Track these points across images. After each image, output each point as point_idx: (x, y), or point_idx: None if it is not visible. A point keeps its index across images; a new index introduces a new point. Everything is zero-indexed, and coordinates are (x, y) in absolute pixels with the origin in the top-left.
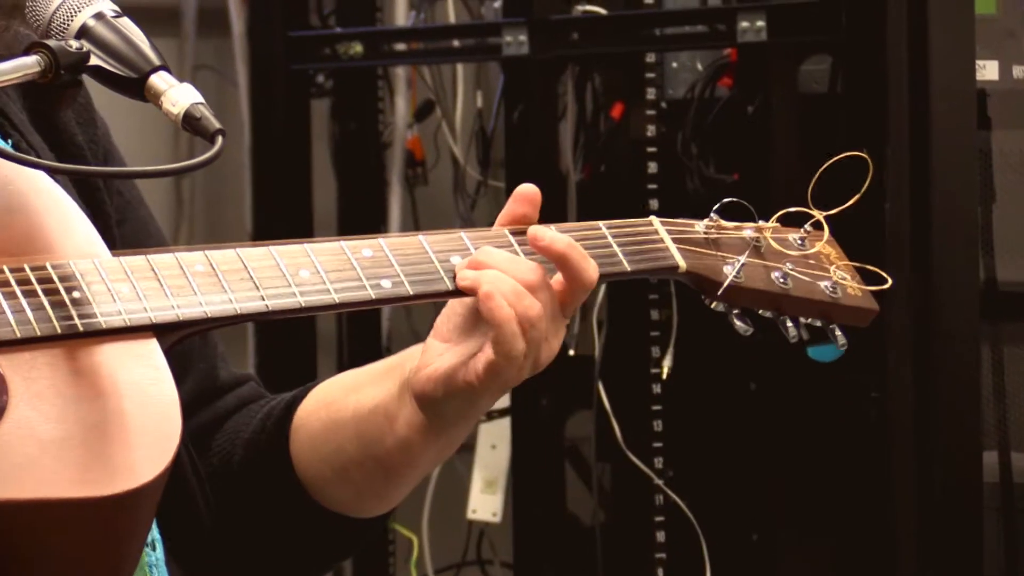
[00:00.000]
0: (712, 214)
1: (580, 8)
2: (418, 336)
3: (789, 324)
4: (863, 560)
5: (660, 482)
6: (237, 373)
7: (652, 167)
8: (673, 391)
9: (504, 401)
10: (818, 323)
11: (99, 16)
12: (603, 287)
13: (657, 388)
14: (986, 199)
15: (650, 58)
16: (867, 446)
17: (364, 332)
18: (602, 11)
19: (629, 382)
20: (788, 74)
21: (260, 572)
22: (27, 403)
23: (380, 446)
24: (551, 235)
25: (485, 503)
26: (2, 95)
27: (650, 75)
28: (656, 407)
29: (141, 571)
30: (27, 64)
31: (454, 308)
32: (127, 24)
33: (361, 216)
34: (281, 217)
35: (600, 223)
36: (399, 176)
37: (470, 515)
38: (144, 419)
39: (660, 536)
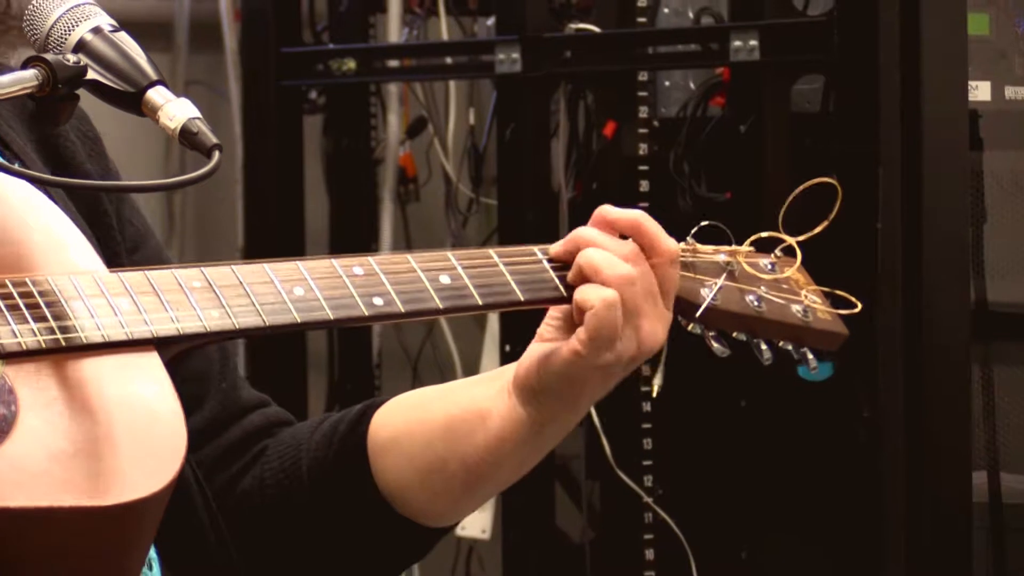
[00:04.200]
0: (688, 238)
1: (573, 26)
2: (409, 353)
3: (763, 347)
4: None
5: (649, 500)
6: (259, 395)
7: (644, 185)
8: (663, 409)
9: None
10: (790, 346)
11: (97, 30)
12: None
13: (647, 406)
14: (977, 220)
15: (643, 76)
16: (857, 465)
17: (355, 350)
18: (595, 29)
19: (619, 400)
20: (780, 93)
21: None
22: (36, 413)
23: (469, 444)
24: (618, 210)
25: (474, 520)
26: (5, 127)
27: (642, 93)
28: (646, 425)
29: None
30: (25, 78)
31: (553, 314)
32: (124, 38)
33: (353, 232)
34: (273, 233)
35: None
36: (391, 193)
37: (459, 531)
38: (149, 432)
39: (649, 554)
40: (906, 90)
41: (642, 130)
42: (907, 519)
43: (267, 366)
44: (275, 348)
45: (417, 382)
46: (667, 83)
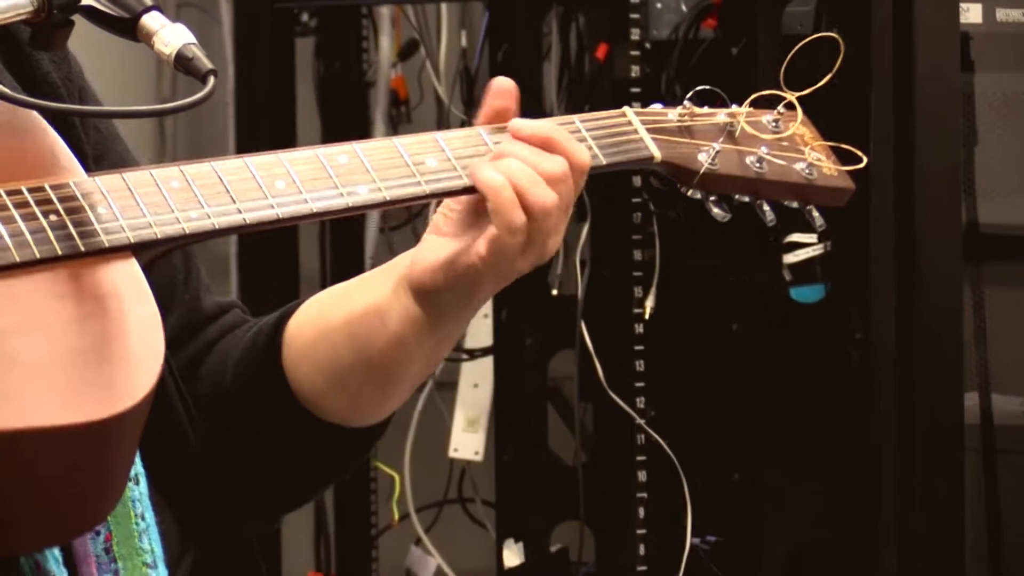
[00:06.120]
0: (685, 101)
1: None
2: None
3: (766, 208)
4: (845, 500)
5: (642, 422)
6: (221, 301)
7: (636, 107)
8: (655, 331)
9: (487, 340)
10: (795, 205)
11: None
12: (586, 227)
13: (640, 328)
14: (968, 142)
15: None
16: (850, 387)
17: (347, 267)
18: None
19: (612, 322)
20: (772, 15)
21: (257, 492)
22: (12, 329)
23: (373, 346)
24: (532, 123)
25: (467, 442)
26: None
27: (634, 15)
28: (638, 347)
29: (124, 505)
30: (20, 4)
31: (451, 205)
32: None
33: None
34: None
35: (574, 117)
36: (383, 115)
37: (452, 453)
38: (128, 340)
39: (641, 476)
40: (898, 12)
41: (634, 52)
42: (899, 441)
43: (258, 283)
44: (267, 267)
45: None
46: (659, 5)
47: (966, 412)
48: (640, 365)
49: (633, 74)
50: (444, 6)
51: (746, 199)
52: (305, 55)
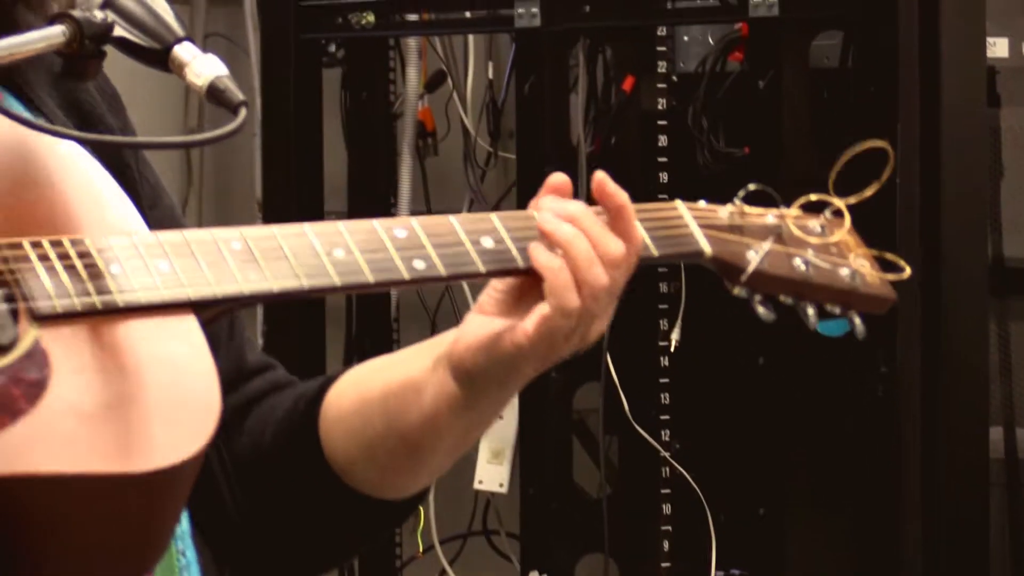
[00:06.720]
0: (736, 199)
1: None
2: (427, 310)
3: (809, 310)
4: (869, 535)
5: (667, 455)
6: (265, 357)
7: (662, 140)
8: (681, 364)
9: None
10: (837, 310)
11: None
12: None
13: (665, 361)
14: (994, 176)
15: (661, 31)
16: (875, 421)
17: (373, 305)
18: None
19: (637, 355)
20: (799, 49)
21: (286, 554)
22: (68, 378)
23: (405, 420)
24: (616, 187)
25: (491, 473)
26: (28, 78)
27: (661, 48)
28: (664, 380)
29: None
30: (52, 34)
31: (496, 285)
32: None
33: (371, 186)
34: (291, 186)
35: None
36: (410, 146)
37: (476, 485)
38: (183, 395)
39: (666, 509)
40: (924, 46)
41: (661, 85)
42: (924, 475)
43: (285, 320)
44: (293, 303)
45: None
46: (686, 38)
47: (991, 446)
48: (665, 398)
49: (660, 107)
50: (471, 38)
51: (790, 300)
52: (332, 86)
